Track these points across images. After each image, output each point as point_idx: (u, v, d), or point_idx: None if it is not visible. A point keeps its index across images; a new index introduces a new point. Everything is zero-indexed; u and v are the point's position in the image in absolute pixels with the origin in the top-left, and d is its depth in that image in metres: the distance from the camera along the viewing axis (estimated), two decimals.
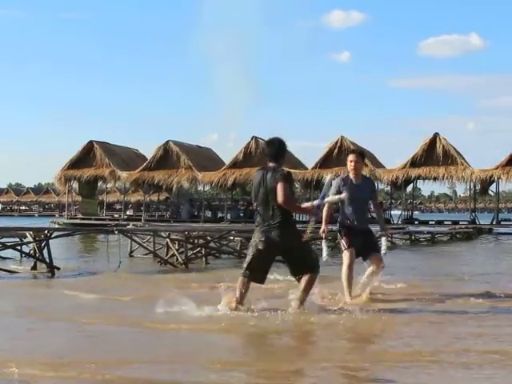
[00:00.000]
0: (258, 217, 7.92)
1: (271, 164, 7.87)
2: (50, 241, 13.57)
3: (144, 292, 10.28)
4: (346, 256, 9.04)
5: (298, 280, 7.97)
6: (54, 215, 65.22)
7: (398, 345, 6.57)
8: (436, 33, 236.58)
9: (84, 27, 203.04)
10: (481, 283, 11.27)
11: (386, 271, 9.52)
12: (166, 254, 15.56)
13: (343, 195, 8.81)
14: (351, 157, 9.27)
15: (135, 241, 16.41)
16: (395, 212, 42.58)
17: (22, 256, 15.15)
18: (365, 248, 9.15)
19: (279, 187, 7.56)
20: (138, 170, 40.30)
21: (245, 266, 7.95)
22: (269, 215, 7.74)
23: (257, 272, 7.92)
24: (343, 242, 9.12)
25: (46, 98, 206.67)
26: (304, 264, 7.89)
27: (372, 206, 9.74)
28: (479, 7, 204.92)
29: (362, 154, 9.52)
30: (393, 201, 46.03)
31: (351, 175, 9.16)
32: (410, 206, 45.09)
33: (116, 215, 44.57)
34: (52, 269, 12.98)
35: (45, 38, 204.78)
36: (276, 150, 7.98)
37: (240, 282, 7.90)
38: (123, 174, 40.48)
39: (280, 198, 7.54)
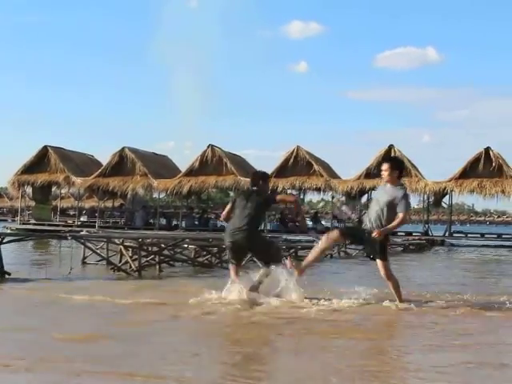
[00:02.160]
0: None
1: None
2: (2, 246, 13.39)
3: None
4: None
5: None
6: (7, 220, 64.40)
7: None
8: (392, 45, 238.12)
9: (40, 31, 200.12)
10: None
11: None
12: (120, 261, 15.47)
13: None
14: (383, 166, 9.69)
15: (88, 247, 16.26)
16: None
17: None
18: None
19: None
20: (92, 176, 40.03)
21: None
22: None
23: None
24: None
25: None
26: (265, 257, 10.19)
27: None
28: (436, 21, 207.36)
29: (395, 162, 9.89)
30: None
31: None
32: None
33: (70, 221, 44.08)
34: (2, 274, 12.82)
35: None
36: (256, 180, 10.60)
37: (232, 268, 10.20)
38: (78, 180, 40.19)
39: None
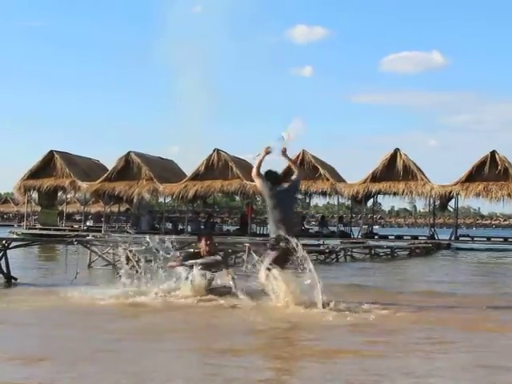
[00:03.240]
0: None
1: None
2: (8, 251, 13.41)
3: None
4: None
5: None
6: (13, 225, 64.43)
7: None
8: (398, 49, 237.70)
9: (43, 36, 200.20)
10: None
11: None
12: None
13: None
14: None
15: (94, 252, 16.28)
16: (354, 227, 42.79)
17: None
18: None
19: None
20: (98, 181, 40.00)
21: None
22: None
23: None
24: None
25: (4, 108, 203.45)
26: None
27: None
28: (441, 25, 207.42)
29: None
30: (353, 215, 46.35)
31: None
32: (371, 220, 45.36)
33: (76, 226, 44.15)
34: (9, 279, 12.84)
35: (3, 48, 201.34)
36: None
37: None
38: (84, 185, 40.18)
39: None
